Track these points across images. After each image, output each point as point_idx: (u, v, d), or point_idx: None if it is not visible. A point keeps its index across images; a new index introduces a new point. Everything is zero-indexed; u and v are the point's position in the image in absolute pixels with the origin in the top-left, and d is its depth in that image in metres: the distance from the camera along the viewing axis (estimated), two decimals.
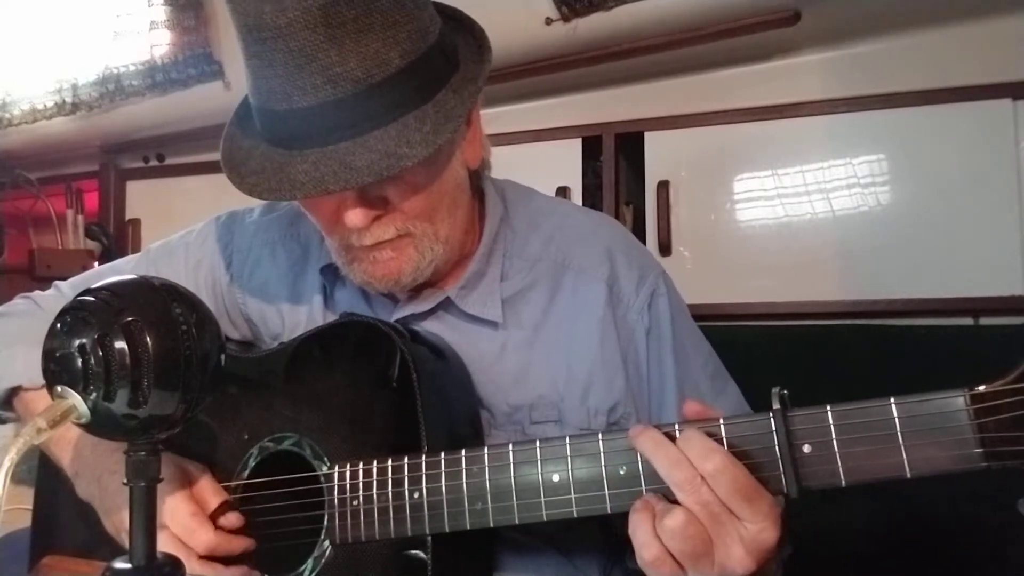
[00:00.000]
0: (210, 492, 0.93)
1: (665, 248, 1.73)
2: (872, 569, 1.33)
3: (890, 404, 0.69)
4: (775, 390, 0.73)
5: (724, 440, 0.74)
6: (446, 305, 1.03)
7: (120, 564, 0.68)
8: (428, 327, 1.03)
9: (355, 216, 0.89)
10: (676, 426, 0.75)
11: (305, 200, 0.95)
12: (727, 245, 1.71)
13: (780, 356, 1.56)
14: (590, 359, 1.00)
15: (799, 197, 1.65)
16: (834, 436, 0.71)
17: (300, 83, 0.82)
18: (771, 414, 0.72)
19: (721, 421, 0.75)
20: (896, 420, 0.69)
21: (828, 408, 0.71)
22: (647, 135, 1.78)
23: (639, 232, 1.79)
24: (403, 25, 0.84)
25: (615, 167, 1.82)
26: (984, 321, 1.51)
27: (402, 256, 0.94)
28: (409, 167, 0.84)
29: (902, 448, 0.68)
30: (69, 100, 2.29)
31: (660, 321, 1.04)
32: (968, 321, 1.53)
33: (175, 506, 0.89)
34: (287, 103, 0.84)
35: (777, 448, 0.72)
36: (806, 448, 0.71)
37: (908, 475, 0.69)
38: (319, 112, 0.83)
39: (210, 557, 0.90)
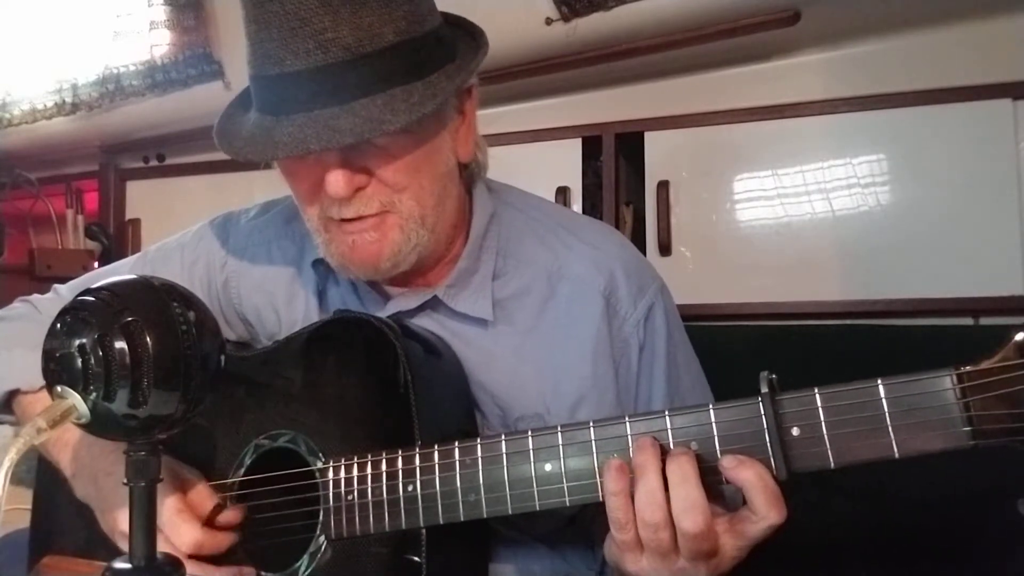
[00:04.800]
0: (203, 496, 0.93)
1: (665, 248, 1.73)
2: (871, 571, 1.33)
3: (877, 385, 0.70)
4: (763, 374, 0.73)
5: (713, 425, 0.74)
6: (434, 303, 1.02)
7: (120, 564, 0.68)
8: (418, 324, 1.02)
9: (336, 179, 0.89)
10: (667, 415, 0.77)
11: (288, 167, 0.95)
12: (727, 245, 1.71)
13: (780, 356, 1.55)
14: (581, 373, 0.99)
15: (799, 197, 1.64)
16: (822, 418, 0.71)
17: (292, 47, 0.84)
18: (759, 398, 0.73)
19: (710, 406, 0.75)
20: (884, 401, 0.69)
21: (816, 391, 0.72)
22: (647, 135, 1.77)
23: (639, 232, 1.79)
24: (400, 5, 0.87)
25: (615, 167, 1.81)
26: (984, 321, 1.51)
27: (384, 239, 0.93)
28: (392, 131, 0.85)
29: (890, 428, 0.69)
30: (69, 100, 2.29)
31: (655, 337, 1.03)
32: (968, 321, 1.53)
33: (161, 503, 0.88)
34: (279, 67, 0.86)
35: (766, 432, 0.73)
36: (795, 431, 0.72)
37: (897, 455, 0.69)
38: (308, 77, 0.85)
39: (200, 556, 0.89)
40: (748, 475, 0.72)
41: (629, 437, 0.77)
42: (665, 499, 0.73)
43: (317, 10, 0.83)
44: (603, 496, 0.77)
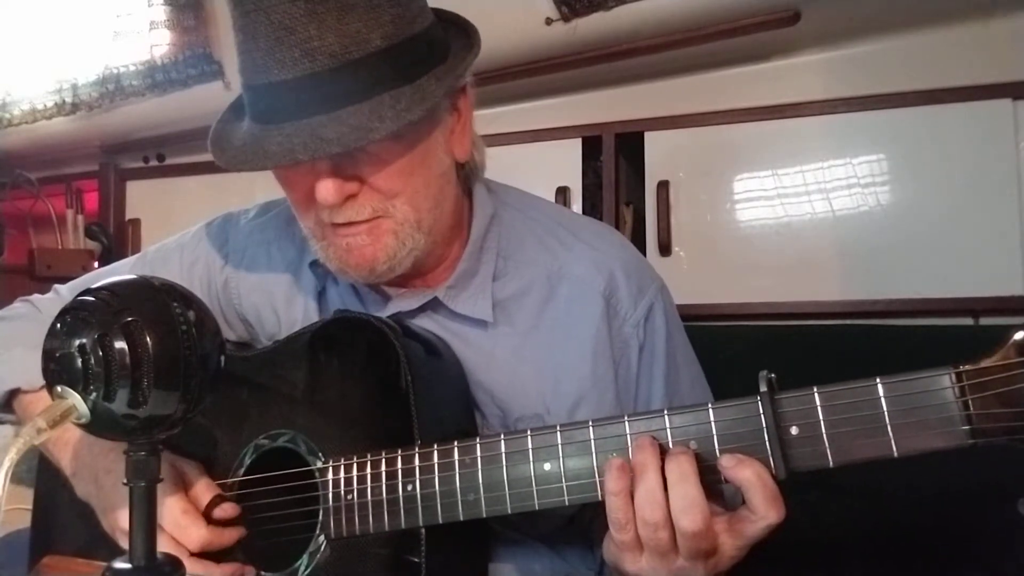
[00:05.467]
0: (203, 489, 0.94)
1: (665, 248, 1.73)
2: (870, 570, 1.33)
3: (876, 384, 0.70)
4: (762, 373, 0.73)
5: (712, 424, 0.75)
6: (435, 304, 1.02)
7: (120, 564, 0.68)
8: (418, 324, 1.02)
9: (326, 188, 0.88)
10: (666, 414, 0.77)
11: (281, 176, 0.95)
12: (727, 245, 1.71)
13: (780, 356, 1.55)
14: (580, 374, 0.99)
15: (799, 197, 1.64)
16: (821, 417, 0.71)
17: (279, 56, 0.84)
18: (758, 397, 0.73)
19: (709, 405, 0.76)
20: (883, 400, 0.69)
21: (815, 390, 0.72)
22: (647, 135, 1.77)
23: (639, 232, 1.79)
24: (387, 9, 0.86)
25: (615, 167, 1.81)
26: (984, 321, 1.51)
27: (378, 243, 0.93)
28: (378, 139, 0.85)
29: (889, 427, 0.69)
30: (69, 100, 2.29)
31: (655, 337, 1.03)
32: (968, 321, 1.53)
33: (167, 504, 0.89)
34: (266, 76, 0.86)
35: (765, 431, 0.73)
36: (794, 430, 0.72)
37: (895, 454, 0.69)
38: (295, 86, 0.85)
39: (203, 554, 0.90)
40: (747, 474, 0.72)
41: (628, 436, 0.77)
42: (664, 498, 0.73)
43: (302, 19, 0.82)
44: (603, 496, 0.77)
